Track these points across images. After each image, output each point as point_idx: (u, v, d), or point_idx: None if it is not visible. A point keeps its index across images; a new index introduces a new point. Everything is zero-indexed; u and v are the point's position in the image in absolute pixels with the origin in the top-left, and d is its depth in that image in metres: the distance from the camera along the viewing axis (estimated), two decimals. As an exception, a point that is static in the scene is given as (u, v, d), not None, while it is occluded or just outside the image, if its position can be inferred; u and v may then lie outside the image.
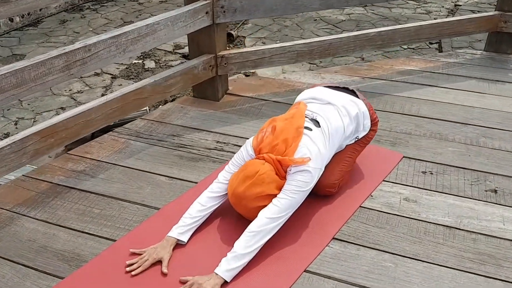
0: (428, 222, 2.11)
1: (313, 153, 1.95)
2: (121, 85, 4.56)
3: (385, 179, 2.37)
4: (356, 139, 2.25)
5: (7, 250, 1.98)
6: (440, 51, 4.60)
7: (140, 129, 2.81)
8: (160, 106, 3.06)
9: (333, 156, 2.18)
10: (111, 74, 4.78)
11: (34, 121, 4.10)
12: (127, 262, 1.88)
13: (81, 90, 4.54)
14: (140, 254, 1.92)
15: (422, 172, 2.42)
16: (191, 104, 3.07)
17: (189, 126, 2.83)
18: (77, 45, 2.18)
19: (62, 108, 4.24)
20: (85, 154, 2.58)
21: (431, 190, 2.30)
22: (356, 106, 2.21)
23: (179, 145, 2.65)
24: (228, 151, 2.57)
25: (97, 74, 4.76)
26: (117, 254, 1.94)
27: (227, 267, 1.80)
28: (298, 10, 3.01)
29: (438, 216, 2.14)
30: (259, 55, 3.02)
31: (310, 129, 2.03)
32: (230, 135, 2.72)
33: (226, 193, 2.03)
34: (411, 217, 2.14)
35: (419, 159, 2.51)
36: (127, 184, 2.35)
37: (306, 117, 2.09)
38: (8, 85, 1.99)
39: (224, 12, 2.82)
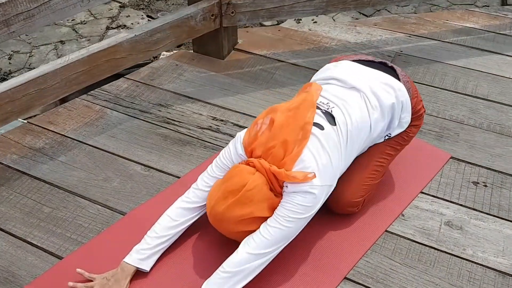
0: (475, 262, 1.58)
1: (321, 165, 1.40)
2: (128, 16, 4.01)
3: (423, 190, 1.80)
4: (388, 138, 1.67)
5: None
6: (504, 3, 3.72)
7: (121, 93, 2.27)
8: (150, 63, 2.49)
9: (355, 162, 1.62)
10: (119, 2, 4.19)
11: (30, 56, 3.61)
12: (70, 284, 1.44)
13: (84, 21, 4.00)
14: (89, 280, 1.48)
15: (473, 182, 1.84)
16: (189, 61, 2.48)
17: (182, 93, 2.27)
18: (19, -8, 1.60)
19: (61, 42, 3.73)
20: (49, 125, 2.08)
21: (482, 212, 1.74)
22: (393, 93, 1.59)
23: (165, 120, 2.11)
24: (225, 134, 2.02)
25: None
26: (59, 280, 1.49)
27: None
28: None
29: (489, 254, 1.60)
30: (276, 2, 2.36)
31: (322, 128, 1.45)
32: (231, 110, 2.16)
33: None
34: (452, 252, 1.60)
35: (470, 163, 1.92)
36: (91, 173, 1.86)
37: (318, 108, 1.50)
38: None
39: None
